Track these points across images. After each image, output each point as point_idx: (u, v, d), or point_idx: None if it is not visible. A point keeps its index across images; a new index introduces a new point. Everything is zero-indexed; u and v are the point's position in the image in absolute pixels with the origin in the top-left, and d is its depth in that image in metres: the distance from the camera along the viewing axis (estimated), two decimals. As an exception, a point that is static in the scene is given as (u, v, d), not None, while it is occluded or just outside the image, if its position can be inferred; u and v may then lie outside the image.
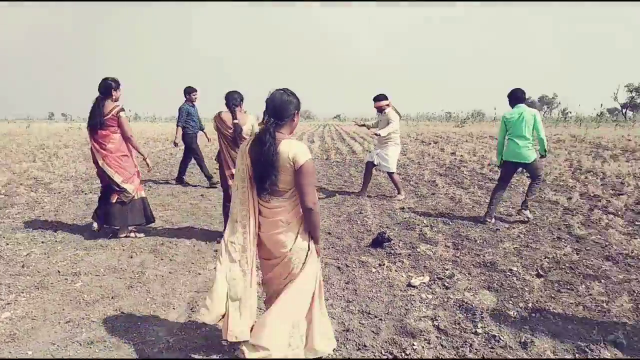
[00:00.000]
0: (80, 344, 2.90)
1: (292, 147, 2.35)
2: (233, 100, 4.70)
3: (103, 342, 2.92)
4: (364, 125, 8.37)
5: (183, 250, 4.75)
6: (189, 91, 8.49)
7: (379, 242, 4.89)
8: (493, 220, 5.91)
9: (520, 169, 6.25)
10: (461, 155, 13.48)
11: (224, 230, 4.84)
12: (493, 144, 17.60)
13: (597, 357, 2.74)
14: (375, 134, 7.12)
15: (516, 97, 5.82)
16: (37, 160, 12.61)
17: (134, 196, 5.02)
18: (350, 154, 14.98)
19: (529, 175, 6.02)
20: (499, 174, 6.11)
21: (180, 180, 8.99)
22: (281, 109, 2.39)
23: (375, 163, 7.43)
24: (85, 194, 7.82)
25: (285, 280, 2.52)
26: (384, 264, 4.35)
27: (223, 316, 2.48)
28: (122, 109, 4.94)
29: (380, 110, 7.29)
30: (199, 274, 4.11)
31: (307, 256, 2.52)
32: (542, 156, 6.09)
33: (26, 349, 2.87)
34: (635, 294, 3.64)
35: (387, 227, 5.69)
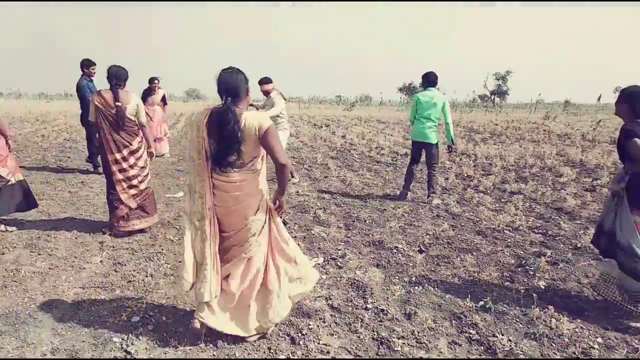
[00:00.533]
0: (-57, 356, 2.58)
1: (255, 119, 2.56)
2: (117, 78, 4.38)
3: (-29, 350, 2.63)
4: (252, 105, 8.21)
5: (64, 243, 4.38)
6: (87, 64, 7.36)
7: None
8: (408, 195, 6.42)
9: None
10: (351, 139, 14.01)
11: (110, 219, 4.53)
12: (380, 127, 18.54)
13: (469, 322, 3.08)
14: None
15: (429, 80, 6.14)
16: None
17: (9, 180, 4.50)
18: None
19: (425, 160, 6.42)
20: (410, 153, 6.54)
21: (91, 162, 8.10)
22: (236, 88, 2.59)
23: None
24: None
25: (237, 250, 2.69)
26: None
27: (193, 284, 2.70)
28: None
29: (266, 94, 7.05)
30: (83, 268, 3.83)
31: (262, 227, 2.71)
32: (450, 147, 6.43)
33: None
34: (501, 264, 4.14)
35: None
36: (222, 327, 2.73)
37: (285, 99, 7.28)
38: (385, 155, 10.76)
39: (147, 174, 4.76)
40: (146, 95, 9.46)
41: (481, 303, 3.31)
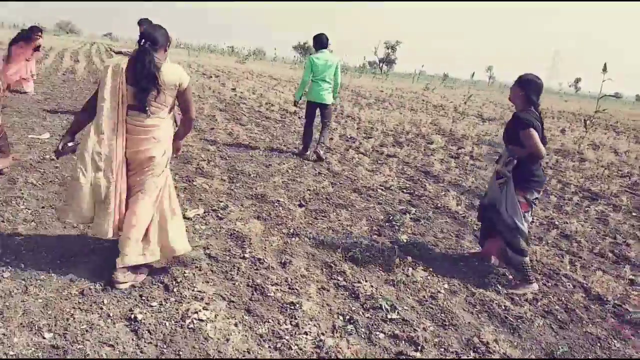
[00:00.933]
0: None
1: (175, 73, 2.77)
2: None
3: None
4: (120, 52, 7.71)
5: None
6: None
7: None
8: (309, 152, 6.62)
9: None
10: (241, 92, 13.74)
11: None
12: (271, 83, 18.39)
13: (338, 270, 3.32)
14: None
15: (321, 42, 6.33)
16: None
17: None
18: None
19: (320, 117, 6.61)
20: (306, 112, 6.69)
21: None
22: (155, 36, 2.75)
23: None
24: None
25: (137, 188, 2.83)
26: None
27: (92, 220, 2.81)
28: None
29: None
30: None
31: (163, 171, 2.89)
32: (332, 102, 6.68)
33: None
34: (371, 219, 4.47)
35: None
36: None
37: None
38: (275, 112, 10.77)
39: None
40: (20, 39, 8.28)
41: (350, 253, 3.58)
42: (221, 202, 4.39)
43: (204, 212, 4.09)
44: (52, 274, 2.78)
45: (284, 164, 6.13)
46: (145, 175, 2.82)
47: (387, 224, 4.41)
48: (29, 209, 3.66)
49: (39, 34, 8.54)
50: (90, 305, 2.55)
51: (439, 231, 4.40)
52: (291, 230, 3.95)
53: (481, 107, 16.83)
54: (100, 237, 2.89)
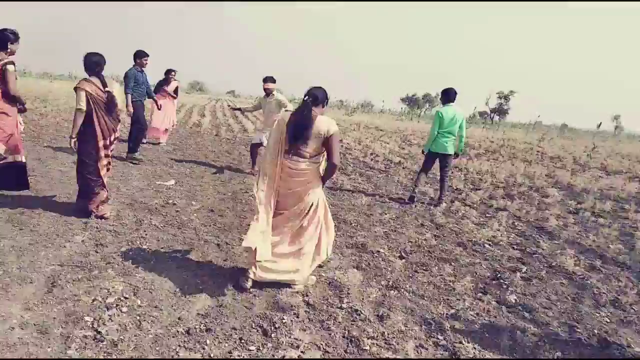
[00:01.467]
0: None
1: (326, 122, 3.29)
2: (98, 64, 4.43)
3: (-56, 317, 2.65)
4: (238, 109, 8.42)
5: (47, 220, 4.39)
6: (141, 55, 7.59)
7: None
8: (416, 198, 6.86)
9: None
10: (347, 143, 14.08)
11: (88, 206, 4.45)
12: (377, 134, 18.63)
13: (438, 328, 3.13)
14: None
15: (449, 96, 6.65)
16: None
17: (5, 157, 4.53)
18: (242, 131, 14.86)
19: (440, 169, 6.92)
20: (425, 161, 7.01)
21: (133, 151, 7.90)
22: (317, 94, 3.34)
23: (264, 143, 7.48)
24: None
25: (300, 221, 3.44)
26: (262, 243, 4.46)
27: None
28: (12, 62, 4.40)
29: (268, 93, 7.36)
30: (64, 246, 3.85)
31: (317, 202, 3.47)
32: (457, 155, 6.92)
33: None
34: (477, 276, 4.20)
35: (269, 207, 5.81)
36: (274, 277, 3.44)
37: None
38: (379, 162, 10.83)
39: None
40: (160, 85, 9.57)
41: (452, 311, 3.37)
42: (321, 250, 4.43)
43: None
44: (164, 311, 2.99)
45: (385, 214, 6.08)
46: (298, 210, 3.43)
47: (494, 282, 4.10)
48: (150, 249, 4.02)
49: (173, 73, 9.66)
50: (194, 345, 2.68)
51: (553, 293, 3.98)
52: (390, 283, 3.85)
53: (605, 159, 15.33)
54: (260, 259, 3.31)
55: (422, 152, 7.13)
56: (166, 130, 10.05)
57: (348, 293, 3.55)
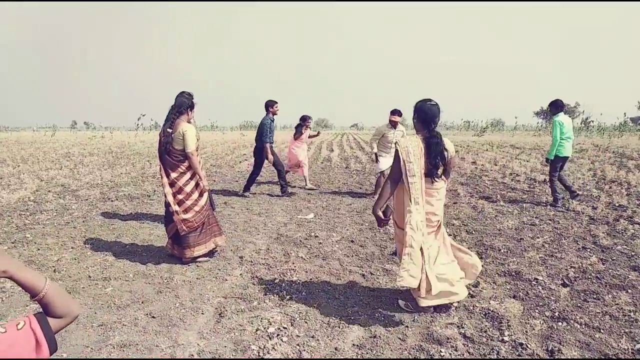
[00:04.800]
0: (113, 347, 2.98)
1: (450, 145, 3.48)
2: (176, 106, 4.48)
3: (135, 345, 3.00)
4: (376, 154, 8.43)
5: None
6: (271, 104, 8.20)
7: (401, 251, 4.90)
8: (559, 203, 7.45)
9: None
10: (482, 165, 13.39)
11: (171, 246, 4.69)
12: (514, 153, 17.45)
13: (627, 367, 2.71)
14: None
15: (559, 106, 7.50)
16: (63, 168, 12.94)
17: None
18: (370, 162, 15.01)
19: (560, 167, 7.64)
20: (553, 167, 7.54)
21: (247, 190, 8.72)
22: (435, 117, 3.31)
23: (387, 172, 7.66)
24: (112, 201, 8.01)
25: (439, 239, 3.51)
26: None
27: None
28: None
29: (395, 125, 7.73)
30: (226, 279, 4.18)
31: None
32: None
33: (60, 351, 2.96)
34: (664, 305, 3.59)
35: (410, 235, 5.70)
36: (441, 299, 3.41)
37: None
38: (522, 182, 10.08)
39: (196, 203, 4.57)
40: (297, 129, 10.18)
41: (638, 346, 2.91)
42: (471, 278, 4.19)
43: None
44: (321, 342, 3.04)
45: (538, 237, 5.57)
46: (440, 229, 3.51)
47: (689, 312, 3.46)
48: (300, 280, 4.17)
49: (309, 121, 10.16)
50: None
51: None
52: (556, 313, 3.46)
53: None
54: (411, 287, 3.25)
55: (547, 160, 7.68)
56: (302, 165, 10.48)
57: (508, 325, 3.27)
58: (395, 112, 7.69)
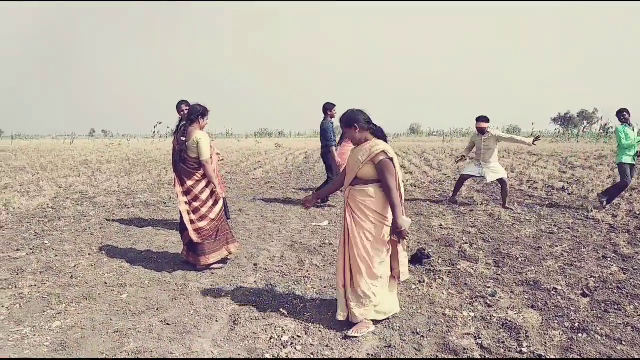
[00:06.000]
0: (129, 354, 2.99)
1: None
2: (190, 113, 4.55)
3: (150, 352, 3.01)
4: (463, 157, 8.42)
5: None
6: (329, 107, 8.10)
7: (418, 258, 4.85)
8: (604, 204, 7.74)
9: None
10: (498, 172, 13.22)
11: (186, 253, 4.73)
12: (532, 159, 17.23)
13: (651, 381, 2.63)
14: (534, 144, 7.86)
15: (625, 117, 7.64)
16: (81, 175, 13.14)
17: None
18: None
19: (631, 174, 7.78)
20: (623, 173, 7.67)
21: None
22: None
23: (488, 179, 7.91)
24: (128, 208, 8.09)
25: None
26: (424, 281, 4.31)
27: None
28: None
29: (482, 131, 7.96)
30: (240, 287, 4.18)
31: None
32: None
33: (76, 357, 2.98)
34: (689, 316, 3.48)
35: (426, 243, 5.65)
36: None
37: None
38: (539, 190, 9.93)
39: (211, 210, 4.62)
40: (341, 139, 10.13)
41: (665, 360, 2.82)
42: (488, 287, 4.13)
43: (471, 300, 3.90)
44: (335, 351, 3.01)
45: (556, 246, 5.46)
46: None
47: None
48: (314, 288, 4.14)
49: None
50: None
51: None
52: (576, 325, 3.38)
53: None
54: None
55: (619, 163, 7.80)
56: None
57: (527, 336, 3.20)
58: (481, 119, 7.96)
